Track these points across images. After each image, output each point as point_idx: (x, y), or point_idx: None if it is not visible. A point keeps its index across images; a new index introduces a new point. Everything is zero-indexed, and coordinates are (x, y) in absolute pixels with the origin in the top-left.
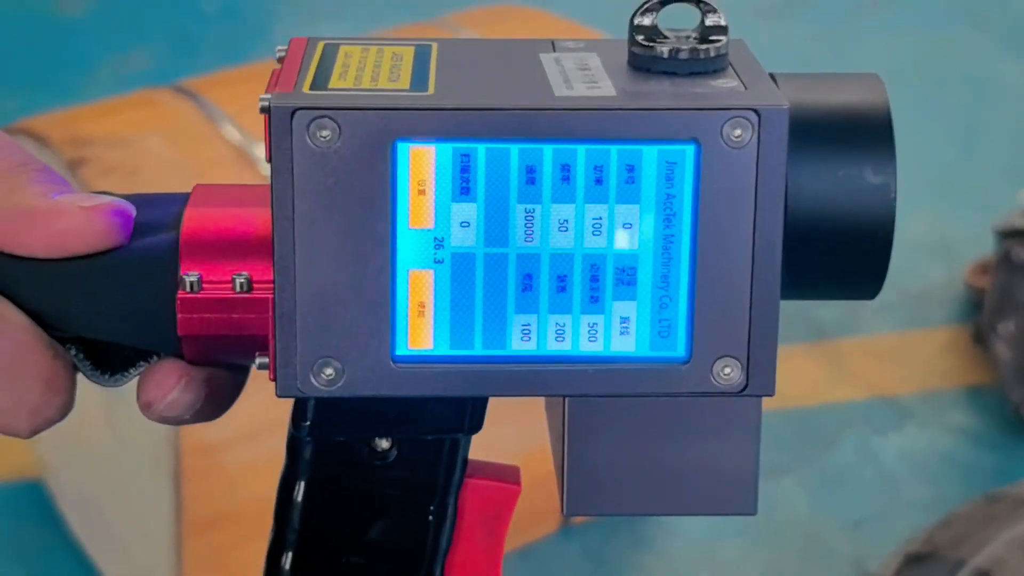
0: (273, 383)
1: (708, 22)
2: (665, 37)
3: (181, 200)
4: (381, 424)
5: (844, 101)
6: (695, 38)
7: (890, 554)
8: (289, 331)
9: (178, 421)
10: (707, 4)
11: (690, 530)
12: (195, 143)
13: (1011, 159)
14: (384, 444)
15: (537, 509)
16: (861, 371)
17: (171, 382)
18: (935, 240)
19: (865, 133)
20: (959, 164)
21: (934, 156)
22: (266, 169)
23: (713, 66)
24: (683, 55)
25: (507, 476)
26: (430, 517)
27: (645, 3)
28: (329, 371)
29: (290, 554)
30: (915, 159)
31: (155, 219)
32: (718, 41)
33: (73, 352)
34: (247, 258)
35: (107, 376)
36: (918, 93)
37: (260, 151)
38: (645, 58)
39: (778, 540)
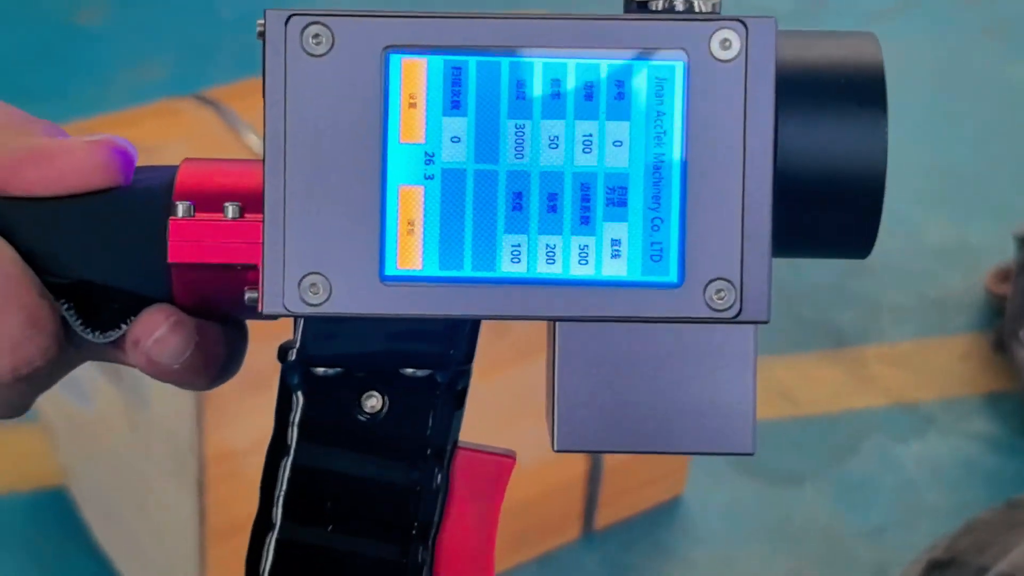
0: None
1: None
2: None
3: (177, 165)
4: (373, 355)
5: (837, 56)
6: None
7: (912, 561)
8: (277, 243)
9: (168, 372)
10: None
11: (712, 537)
12: (217, 153)
13: None
14: (374, 402)
15: (557, 516)
16: (881, 378)
17: (159, 319)
18: (954, 246)
19: (858, 87)
20: (977, 169)
21: (952, 161)
22: None
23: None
24: (678, 6)
25: (501, 452)
26: (418, 485)
27: None
28: (316, 287)
29: (276, 527)
30: (932, 164)
31: (154, 175)
32: None
33: (64, 306)
34: (239, 195)
35: (97, 332)
36: (935, 98)
37: None
38: (639, 9)
39: (800, 547)
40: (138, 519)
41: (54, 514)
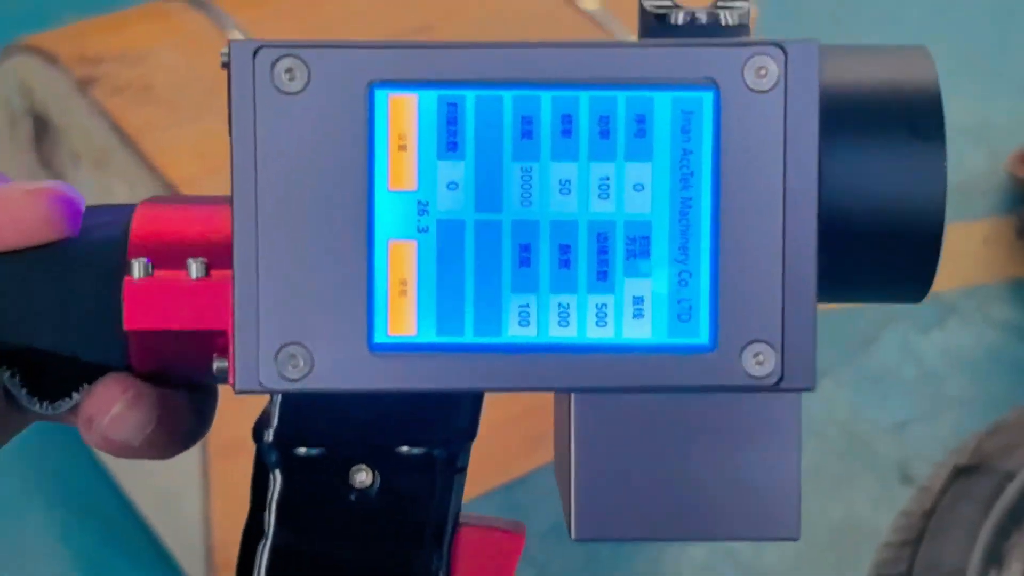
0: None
1: None
2: (678, 5)
3: (134, 205)
4: (359, 432)
5: (887, 78)
6: (712, 5)
7: (937, 465)
8: (250, 312)
9: (126, 449)
10: None
11: None
12: (209, 56)
13: None
14: (363, 476)
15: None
16: None
17: (115, 394)
18: (975, 125)
19: (912, 115)
20: (996, 45)
21: (970, 37)
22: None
23: (735, 34)
24: (701, 20)
25: (508, 527)
26: (415, 570)
27: None
28: (296, 360)
29: None
30: (953, 40)
31: (105, 221)
32: (739, 6)
33: (8, 375)
34: (204, 248)
35: (45, 403)
36: None
37: None
38: (657, 27)
39: (820, 443)
40: None
41: (59, 431)
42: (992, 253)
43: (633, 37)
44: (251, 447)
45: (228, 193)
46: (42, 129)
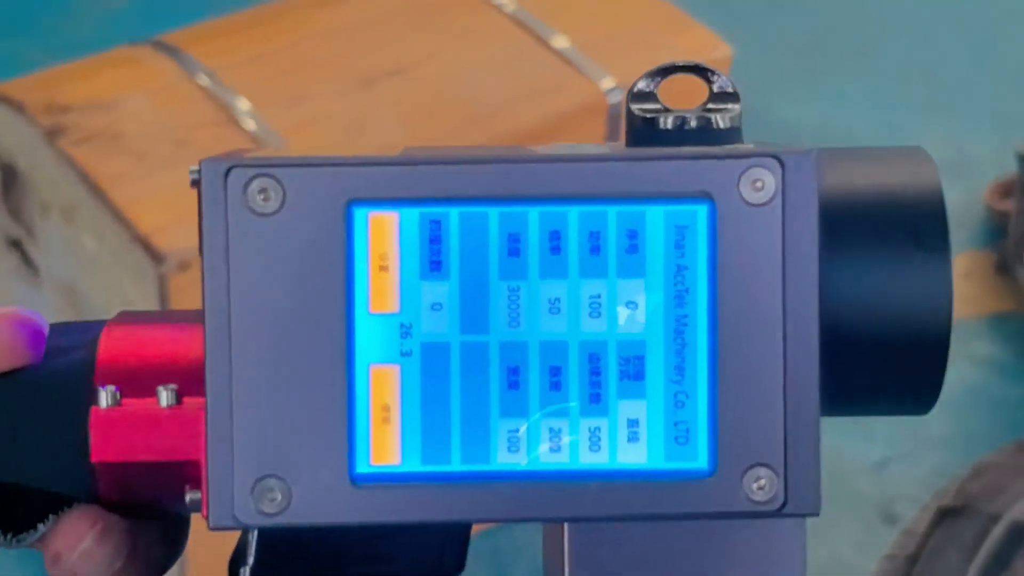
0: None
1: (716, 88)
2: (668, 109)
3: (101, 323)
4: (339, 564)
5: (887, 184)
6: (702, 108)
7: (921, 507)
8: (224, 443)
9: None
10: (712, 70)
11: None
12: (178, 104)
13: None
14: None
15: None
16: None
17: (83, 529)
18: (952, 158)
19: (916, 224)
20: (973, 77)
21: (947, 69)
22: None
23: (727, 138)
24: (692, 125)
25: None
26: None
27: (643, 74)
28: (274, 494)
29: None
30: (930, 71)
31: (70, 343)
32: (729, 109)
33: None
34: (175, 374)
35: (8, 536)
36: (933, 1)
37: (245, 105)
38: (646, 132)
39: None
40: None
41: None
42: (971, 288)
43: (605, 75)
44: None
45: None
46: (10, 179)
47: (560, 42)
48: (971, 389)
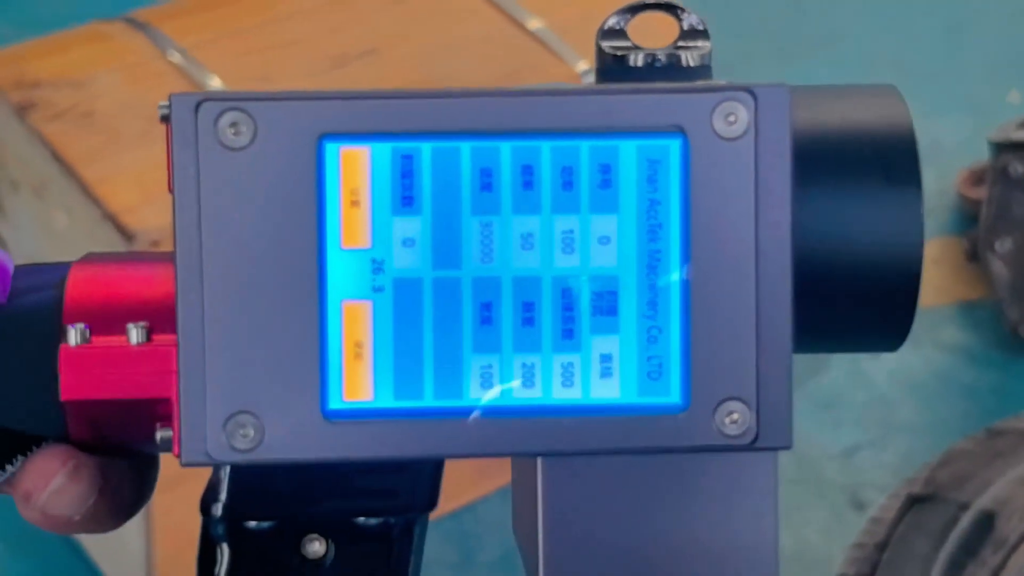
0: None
1: (685, 25)
2: (638, 47)
3: (67, 265)
4: (311, 500)
5: (857, 120)
6: (672, 46)
7: (889, 495)
8: (195, 380)
9: (67, 524)
10: (681, 7)
11: None
12: (150, 81)
13: (999, 55)
14: (317, 546)
15: None
16: None
17: (54, 466)
18: (924, 145)
19: (886, 159)
20: (944, 63)
21: (918, 55)
22: None
23: (697, 76)
24: (662, 61)
25: None
26: None
27: (614, 12)
28: (246, 430)
29: None
30: (900, 58)
31: (37, 283)
32: (699, 47)
33: None
34: (145, 312)
35: None
36: None
37: (216, 83)
38: (615, 69)
39: None
40: None
41: None
42: (941, 275)
43: (579, 58)
44: (191, 478)
45: (170, 232)
46: None
47: (534, 24)
48: (940, 376)
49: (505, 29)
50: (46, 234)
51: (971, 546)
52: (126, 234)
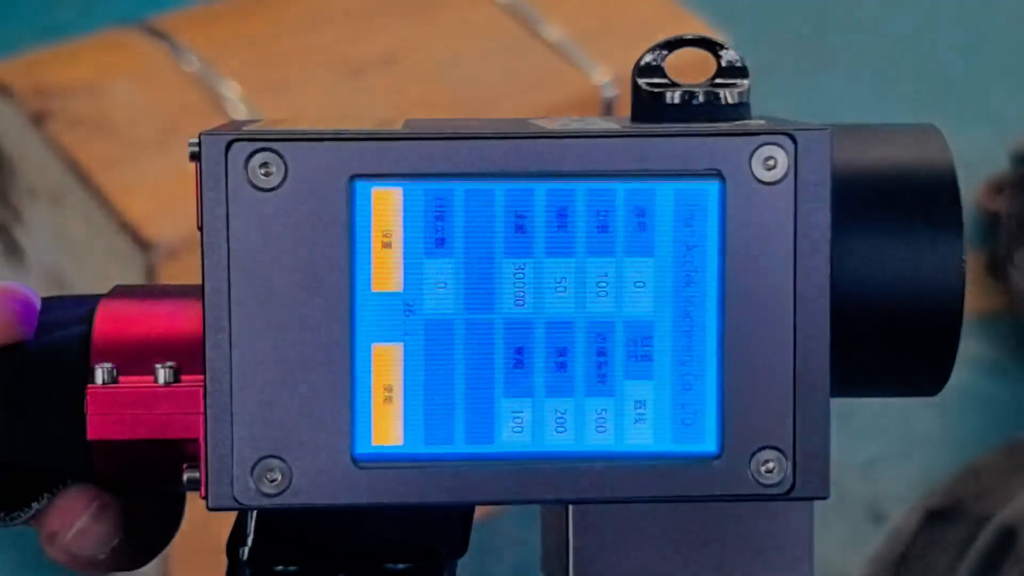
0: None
1: (724, 62)
2: (675, 84)
3: (95, 298)
4: (339, 546)
5: (899, 162)
6: (710, 83)
7: (909, 509)
8: (223, 423)
9: (91, 563)
10: (720, 44)
11: None
12: (167, 90)
13: (1020, 66)
14: None
15: None
16: None
17: (79, 507)
18: None
19: (928, 203)
20: (965, 77)
21: (939, 68)
22: (238, 111)
23: (735, 114)
24: (699, 99)
25: None
26: None
27: (650, 47)
28: (274, 475)
29: None
30: (922, 69)
31: (64, 318)
32: (738, 84)
33: None
34: (172, 351)
35: (2, 514)
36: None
37: (234, 92)
38: (652, 107)
39: None
40: None
41: None
42: None
43: (598, 67)
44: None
45: (187, 242)
46: None
47: (553, 34)
48: (961, 389)
49: (523, 38)
50: (64, 243)
51: (993, 561)
52: (143, 244)
